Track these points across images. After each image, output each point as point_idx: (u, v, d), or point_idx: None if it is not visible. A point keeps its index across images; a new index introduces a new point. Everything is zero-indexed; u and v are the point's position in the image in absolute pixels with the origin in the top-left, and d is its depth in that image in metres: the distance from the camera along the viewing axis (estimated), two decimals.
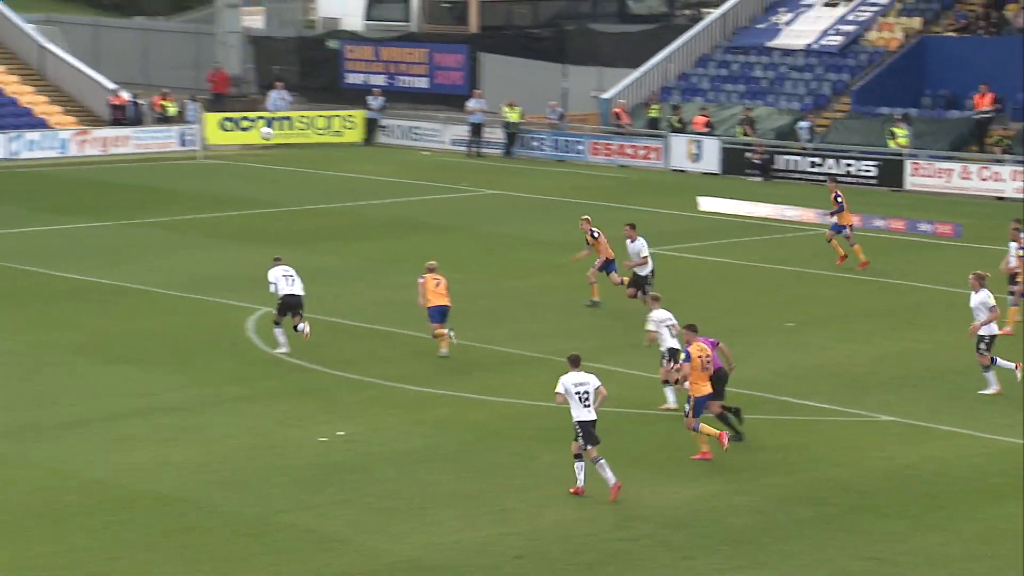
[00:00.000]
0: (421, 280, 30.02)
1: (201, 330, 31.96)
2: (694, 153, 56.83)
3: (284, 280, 29.69)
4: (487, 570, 19.78)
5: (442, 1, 72.82)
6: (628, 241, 33.18)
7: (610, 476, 22.12)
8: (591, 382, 22.09)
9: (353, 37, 72.63)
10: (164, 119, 61.63)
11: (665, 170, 56.71)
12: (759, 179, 53.91)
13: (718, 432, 23.86)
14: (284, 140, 61.95)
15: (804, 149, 55.06)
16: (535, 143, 60.68)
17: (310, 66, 72.26)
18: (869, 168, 52.95)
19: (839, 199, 38.56)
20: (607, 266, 33.84)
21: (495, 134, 61.16)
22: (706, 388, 23.80)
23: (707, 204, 47.84)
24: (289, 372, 28.98)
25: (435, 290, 29.72)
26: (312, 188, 52.12)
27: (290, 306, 29.64)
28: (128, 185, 52.23)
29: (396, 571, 19.75)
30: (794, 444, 24.93)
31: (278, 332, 29.84)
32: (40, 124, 59.22)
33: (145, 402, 26.98)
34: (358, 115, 63.73)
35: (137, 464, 23.55)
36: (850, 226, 38.74)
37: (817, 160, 54.03)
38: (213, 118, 61.30)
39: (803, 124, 56.69)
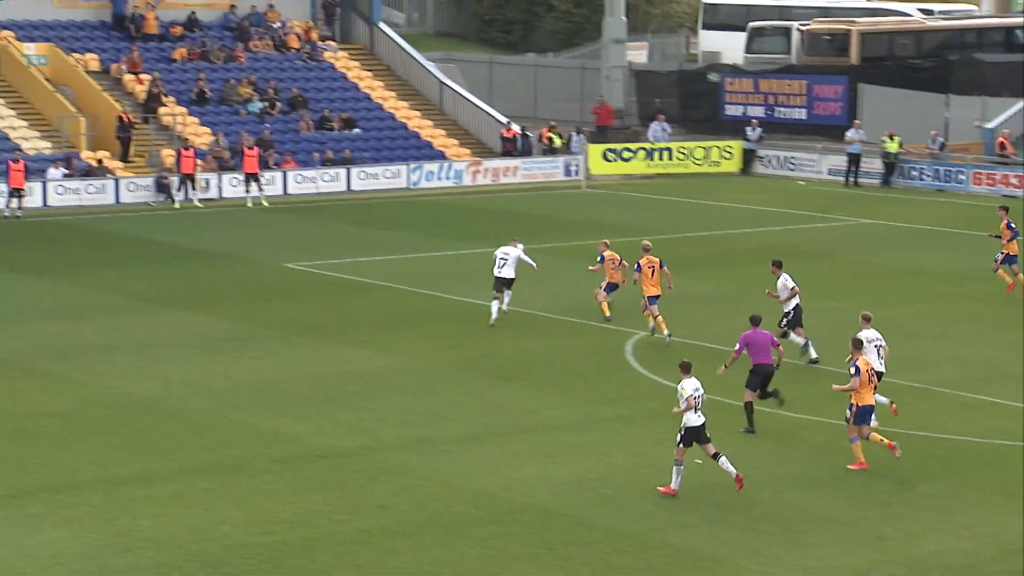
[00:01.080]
0: (637, 273, 32.65)
1: (582, 351, 32.67)
2: None
3: (499, 262, 34.74)
4: None
5: (823, 33, 72.48)
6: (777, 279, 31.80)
7: (732, 469, 23.18)
8: (702, 388, 23.42)
9: (734, 70, 72.99)
10: (551, 150, 63.03)
11: None
12: None
13: (888, 442, 24.18)
14: (663, 170, 62.97)
15: None
16: (914, 173, 59.88)
17: (690, 98, 72.89)
18: None
19: (1012, 226, 37.69)
20: (613, 288, 34.67)
21: (873, 164, 60.65)
22: (870, 398, 24.34)
23: None
24: (666, 394, 29.17)
25: (651, 279, 32.40)
26: (690, 216, 52.64)
27: (500, 285, 34.62)
28: (516, 213, 53.38)
29: None
30: None
31: (492, 305, 34.67)
32: (439, 156, 61.38)
33: (529, 419, 27.78)
34: (736, 145, 64.16)
35: (521, 478, 24.23)
36: (1015, 255, 37.82)
37: None
38: (596, 149, 62.75)
39: None
